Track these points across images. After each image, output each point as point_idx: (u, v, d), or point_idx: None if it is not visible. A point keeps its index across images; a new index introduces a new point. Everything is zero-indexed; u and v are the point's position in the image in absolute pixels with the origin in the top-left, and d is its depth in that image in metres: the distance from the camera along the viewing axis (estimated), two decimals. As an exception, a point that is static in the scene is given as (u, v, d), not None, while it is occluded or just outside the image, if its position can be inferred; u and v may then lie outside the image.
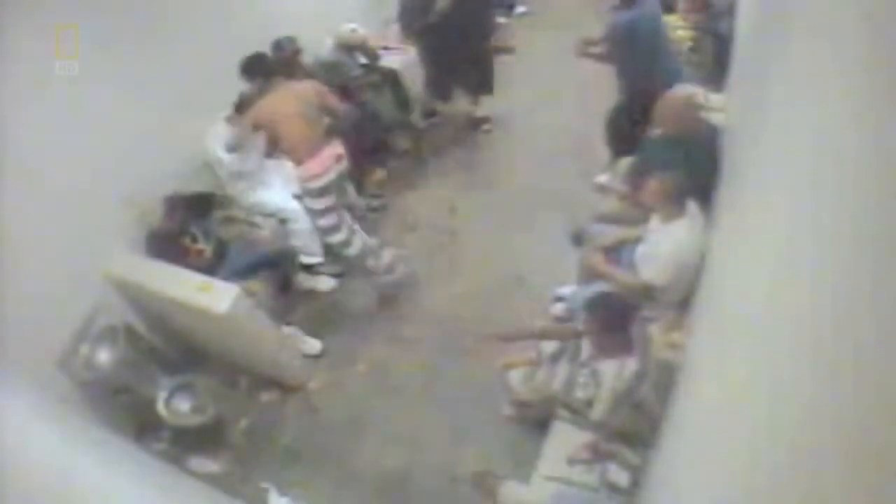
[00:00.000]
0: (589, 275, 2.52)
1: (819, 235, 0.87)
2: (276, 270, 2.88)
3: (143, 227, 2.66)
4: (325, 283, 3.17)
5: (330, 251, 3.12)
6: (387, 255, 3.13)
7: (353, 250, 2.96)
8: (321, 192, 2.82)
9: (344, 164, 2.88)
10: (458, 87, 4.09)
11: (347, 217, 2.99)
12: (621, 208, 2.72)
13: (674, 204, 2.17)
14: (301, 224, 3.08)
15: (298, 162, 2.76)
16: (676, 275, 2.17)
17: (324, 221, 2.92)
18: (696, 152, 2.42)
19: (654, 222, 2.27)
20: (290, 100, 2.75)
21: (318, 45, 3.69)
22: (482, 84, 4.04)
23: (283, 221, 3.10)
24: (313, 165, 2.74)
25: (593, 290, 2.50)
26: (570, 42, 3.35)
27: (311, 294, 3.16)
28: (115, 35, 2.49)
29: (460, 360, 2.80)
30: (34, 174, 2.17)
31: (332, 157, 2.80)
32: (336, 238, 2.94)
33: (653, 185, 2.23)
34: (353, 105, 3.47)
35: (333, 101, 2.94)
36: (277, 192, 3.15)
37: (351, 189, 3.25)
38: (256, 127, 2.78)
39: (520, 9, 5.62)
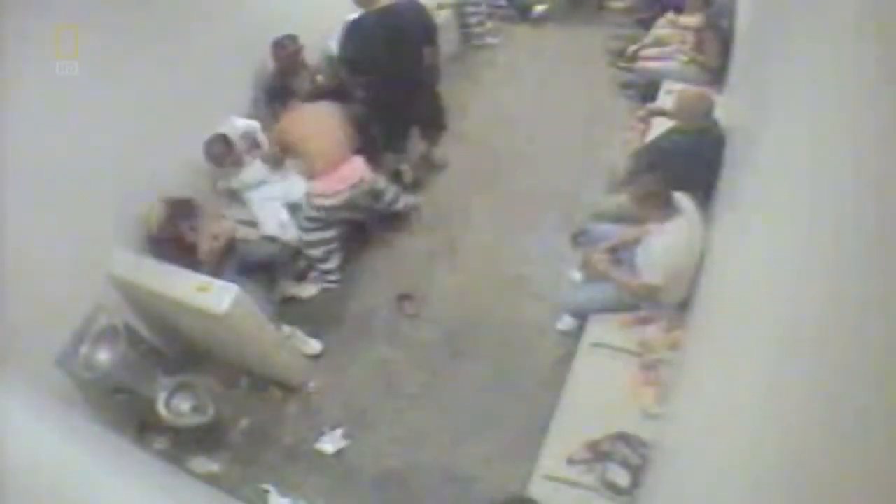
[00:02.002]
0: (593, 275, 2.52)
1: (818, 234, 0.88)
2: (270, 272, 2.91)
3: (144, 228, 2.65)
4: (307, 289, 3.15)
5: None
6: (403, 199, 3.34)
7: (329, 265, 3.12)
8: (321, 220, 2.92)
9: (364, 186, 2.95)
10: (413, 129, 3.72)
11: (336, 247, 3.09)
12: (620, 206, 2.72)
13: (661, 206, 2.17)
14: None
15: (312, 177, 2.86)
16: (673, 274, 2.17)
17: (313, 252, 3.05)
18: (704, 148, 2.46)
19: (651, 223, 2.27)
20: (313, 116, 2.87)
21: (323, 42, 3.68)
22: (435, 123, 3.72)
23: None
24: (323, 185, 2.83)
25: (595, 289, 2.51)
26: (573, 42, 3.33)
27: (299, 299, 3.14)
28: (115, 35, 2.49)
29: (460, 360, 2.80)
30: (34, 174, 2.17)
31: (348, 179, 2.87)
32: (318, 265, 3.11)
33: (633, 191, 2.24)
34: (352, 102, 3.46)
35: (346, 126, 3.00)
36: (267, 208, 3.10)
37: (386, 194, 3.20)
38: (284, 149, 2.93)
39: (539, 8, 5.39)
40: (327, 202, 2.85)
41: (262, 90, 3.22)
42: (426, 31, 3.21)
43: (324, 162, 2.82)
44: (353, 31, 3.08)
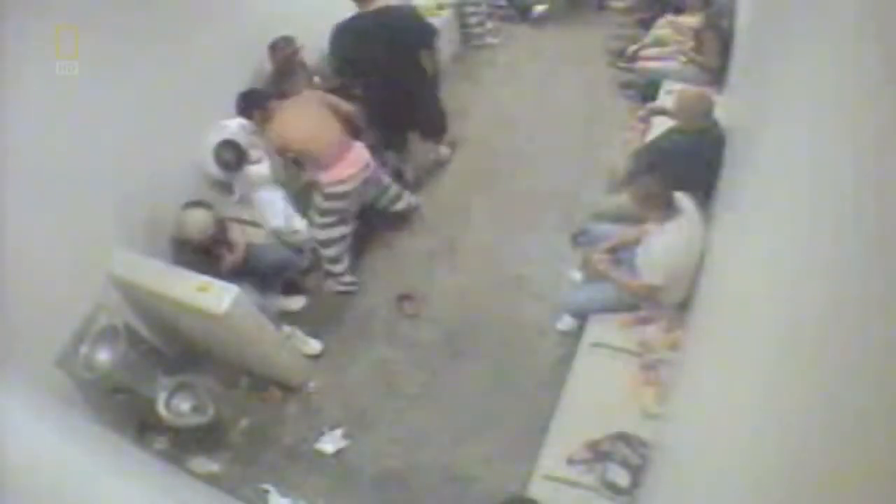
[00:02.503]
0: (593, 275, 2.52)
1: (818, 234, 0.88)
2: (277, 274, 2.91)
3: (178, 231, 2.60)
4: (296, 302, 3.13)
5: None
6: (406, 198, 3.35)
7: (341, 266, 3.10)
8: (336, 212, 2.90)
9: (369, 171, 2.95)
10: (411, 133, 3.72)
11: (347, 243, 3.07)
12: (620, 206, 2.72)
13: (661, 206, 2.17)
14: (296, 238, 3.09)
15: (325, 167, 2.83)
16: (673, 274, 2.17)
17: (328, 251, 3.03)
18: (704, 148, 2.46)
19: (651, 223, 2.27)
20: (306, 113, 2.83)
21: (322, 42, 3.67)
22: (434, 127, 3.75)
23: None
24: (335, 173, 2.82)
25: (595, 289, 2.52)
26: (574, 42, 3.32)
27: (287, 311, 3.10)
28: (115, 35, 2.48)
29: (460, 360, 2.80)
30: (34, 174, 2.17)
31: (356, 164, 2.87)
32: (331, 266, 3.08)
33: (634, 191, 2.24)
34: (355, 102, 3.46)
35: (341, 103, 2.99)
36: (271, 203, 3.09)
37: (389, 191, 3.22)
38: (285, 151, 2.92)
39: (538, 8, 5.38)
40: (341, 189, 2.85)
41: (238, 96, 3.07)
42: (421, 32, 3.21)
43: (329, 155, 2.80)
44: (348, 31, 3.08)
